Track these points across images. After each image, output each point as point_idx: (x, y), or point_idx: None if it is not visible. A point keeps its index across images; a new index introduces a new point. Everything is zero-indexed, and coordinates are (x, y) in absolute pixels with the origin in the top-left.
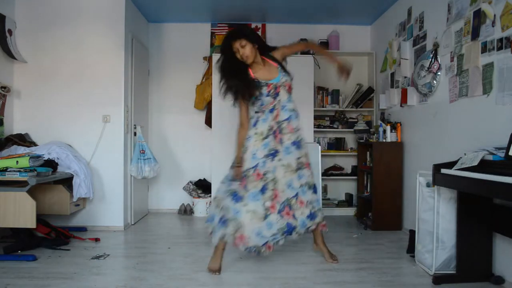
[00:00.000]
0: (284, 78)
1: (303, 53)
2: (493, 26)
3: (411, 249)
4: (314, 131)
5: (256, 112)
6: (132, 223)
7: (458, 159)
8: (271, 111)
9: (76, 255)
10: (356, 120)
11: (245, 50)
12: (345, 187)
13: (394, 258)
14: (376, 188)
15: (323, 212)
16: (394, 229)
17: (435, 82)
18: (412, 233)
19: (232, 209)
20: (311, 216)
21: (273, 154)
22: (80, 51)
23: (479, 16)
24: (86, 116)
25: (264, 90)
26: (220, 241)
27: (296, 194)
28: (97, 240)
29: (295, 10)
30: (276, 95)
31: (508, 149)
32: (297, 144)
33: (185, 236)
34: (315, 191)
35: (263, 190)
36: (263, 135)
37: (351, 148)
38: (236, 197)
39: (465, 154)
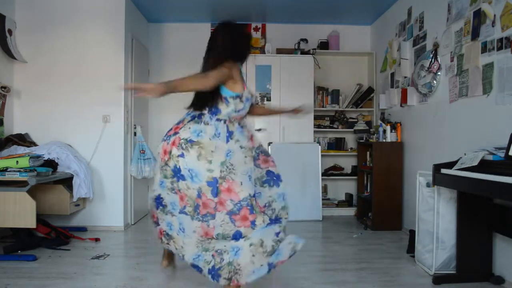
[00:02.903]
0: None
1: (303, 53)
2: (493, 26)
3: (411, 249)
4: (314, 131)
5: (219, 119)
6: (132, 223)
7: (458, 159)
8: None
9: (76, 255)
10: (356, 120)
11: None
12: (345, 187)
13: (394, 258)
14: (376, 188)
15: None
16: (394, 229)
17: (435, 82)
18: (412, 233)
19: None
20: None
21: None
22: (80, 51)
23: (479, 16)
24: (86, 116)
25: (245, 95)
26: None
27: None
28: (97, 240)
29: (295, 10)
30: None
31: (508, 149)
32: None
33: None
34: None
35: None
36: (250, 150)
37: (351, 148)
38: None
39: (465, 154)
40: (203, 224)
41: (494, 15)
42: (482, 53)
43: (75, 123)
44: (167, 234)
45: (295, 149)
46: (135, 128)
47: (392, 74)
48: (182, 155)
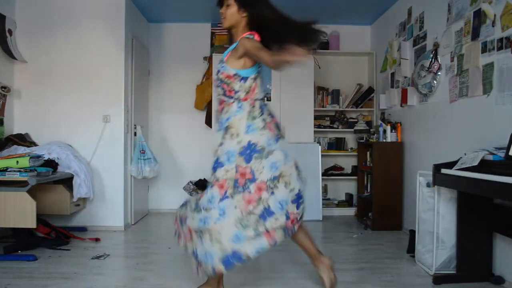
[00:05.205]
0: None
1: None
2: (493, 26)
3: (411, 249)
4: (314, 131)
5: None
6: (132, 223)
7: (458, 159)
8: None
9: (76, 255)
10: (356, 120)
11: (225, 10)
12: (345, 187)
13: (394, 258)
14: (376, 188)
15: None
16: (394, 229)
17: (435, 82)
18: (412, 233)
19: None
20: None
21: None
22: (80, 51)
23: (479, 16)
24: (86, 116)
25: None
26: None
27: None
28: (97, 240)
29: (295, 10)
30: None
31: (508, 149)
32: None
33: None
34: None
35: None
36: None
37: (351, 148)
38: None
39: (465, 154)
40: (245, 194)
41: (494, 15)
42: (482, 53)
43: (75, 123)
44: (200, 231)
45: (295, 149)
46: (135, 128)
47: (392, 74)
48: (220, 145)
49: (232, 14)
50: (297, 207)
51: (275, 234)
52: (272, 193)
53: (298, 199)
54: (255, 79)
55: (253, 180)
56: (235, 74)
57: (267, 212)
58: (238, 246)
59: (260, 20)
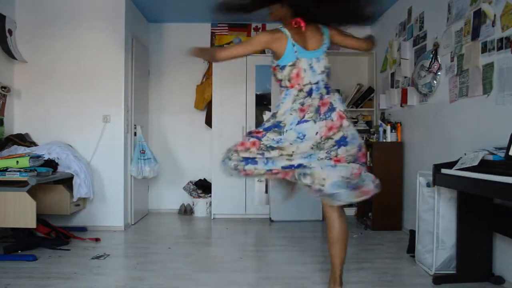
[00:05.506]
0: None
1: None
2: (493, 26)
3: (411, 249)
4: None
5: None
6: (132, 223)
7: (458, 159)
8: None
9: (76, 255)
10: (356, 120)
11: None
12: None
13: (394, 258)
14: None
15: None
16: (394, 229)
17: (435, 82)
18: (412, 233)
19: None
20: None
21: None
22: (80, 51)
23: (479, 16)
24: (86, 116)
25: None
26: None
27: None
28: (97, 240)
29: None
30: None
31: (508, 149)
32: None
33: (185, 236)
34: None
35: None
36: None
37: None
38: None
39: (465, 154)
40: (245, 139)
41: (494, 15)
42: (482, 53)
43: (75, 123)
44: (304, 174)
45: None
46: (135, 128)
47: (392, 74)
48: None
49: (277, 8)
50: (284, 168)
51: (249, 172)
52: (262, 154)
53: (290, 167)
54: (293, 65)
55: (256, 138)
56: (276, 66)
57: (251, 160)
58: (339, 186)
59: (303, 10)
